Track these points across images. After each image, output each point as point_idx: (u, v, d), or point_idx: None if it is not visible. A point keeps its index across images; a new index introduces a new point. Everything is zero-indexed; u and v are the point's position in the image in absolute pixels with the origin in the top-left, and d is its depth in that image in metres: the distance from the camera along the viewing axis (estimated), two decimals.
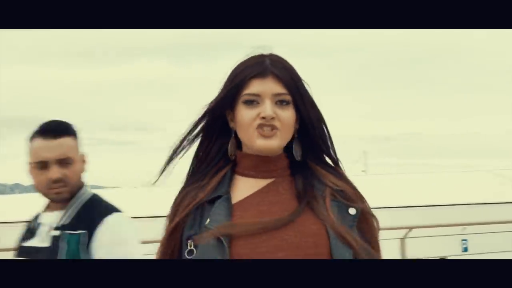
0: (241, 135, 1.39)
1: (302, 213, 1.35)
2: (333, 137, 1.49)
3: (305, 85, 1.42)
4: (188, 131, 1.45)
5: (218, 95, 1.41)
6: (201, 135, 1.44)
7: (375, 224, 1.42)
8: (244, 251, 1.31)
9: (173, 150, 1.46)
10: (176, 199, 1.42)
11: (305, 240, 1.32)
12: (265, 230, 1.32)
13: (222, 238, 1.30)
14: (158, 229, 1.49)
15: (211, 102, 1.42)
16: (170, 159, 1.46)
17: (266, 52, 1.43)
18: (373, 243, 1.41)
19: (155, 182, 1.47)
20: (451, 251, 9.32)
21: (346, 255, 1.32)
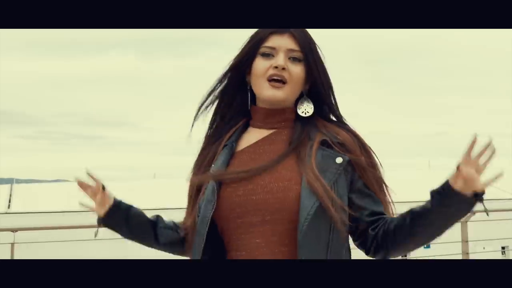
0: (254, 85, 1.52)
1: (286, 160, 1.46)
2: None
3: (320, 52, 1.54)
4: (213, 86, 1.57)
5: (242, 49, 1.54)
6: (223, 91, 1.57)
7: (372, 176, 1.47)
8: (226, 193, 1.46)
9: (201, 104, 1.59)
10: (199, 152, 1.58)
11: (277, 185, 1.42)
12: (247, 176, 1.45)
13: (213, 182, 1.47)
14: None
15: (235, 57, 1.55)
16: (198, 112, 1.59)
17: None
18: (376, 193, 1.48)
19: (189, 134, 1.60)
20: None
21: (313, 201, 1.38)
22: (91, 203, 1.64)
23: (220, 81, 1.57)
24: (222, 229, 1.46)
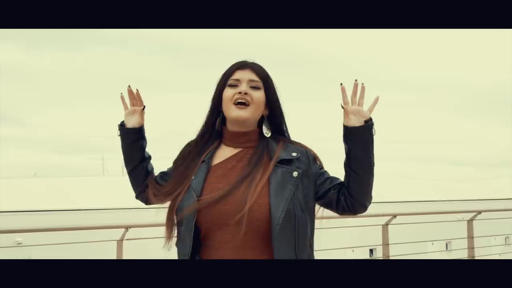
0: (224, 109, 1.89)
1: (245, 179, 1.80)
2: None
3: (274, 84, 1.92)
4: (205, 119, 1.95)
5: (216, 86, 1.92)
6: (207, 117, 1.95)
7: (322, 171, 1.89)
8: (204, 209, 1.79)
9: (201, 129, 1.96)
10: (180, 156, 1.95)
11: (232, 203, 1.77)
12: (219, 199, 1.78)
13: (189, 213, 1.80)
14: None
15: (214, 93, 1.93)
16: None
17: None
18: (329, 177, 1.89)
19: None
20: None
21: (279, 211, 1.74)
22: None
23: (210, 113, 1.94)
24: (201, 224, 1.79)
